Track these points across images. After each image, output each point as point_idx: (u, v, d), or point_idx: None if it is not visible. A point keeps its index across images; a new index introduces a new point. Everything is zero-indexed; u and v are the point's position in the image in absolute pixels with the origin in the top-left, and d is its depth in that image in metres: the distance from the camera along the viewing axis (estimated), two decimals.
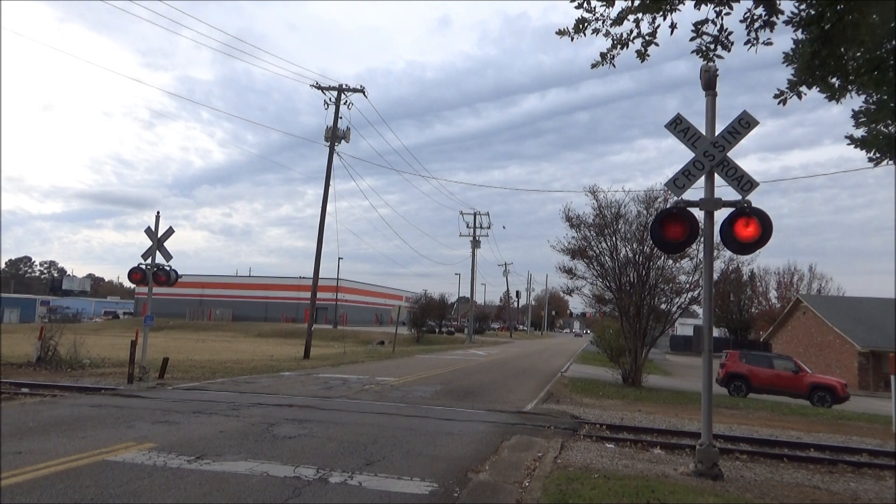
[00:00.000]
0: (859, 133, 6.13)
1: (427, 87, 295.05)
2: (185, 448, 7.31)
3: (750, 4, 5.68)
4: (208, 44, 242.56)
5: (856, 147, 6.13)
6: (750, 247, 7.56)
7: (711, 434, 7.48)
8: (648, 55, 6.04)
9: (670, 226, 7.62)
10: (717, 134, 7.63)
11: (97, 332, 48.55)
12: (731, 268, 24.51)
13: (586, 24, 5.91)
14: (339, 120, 28.34)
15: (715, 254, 13.06)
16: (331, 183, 28.23)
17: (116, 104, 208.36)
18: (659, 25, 5.88)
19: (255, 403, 11.44)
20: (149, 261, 15.66)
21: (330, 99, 28.28)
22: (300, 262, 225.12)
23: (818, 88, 5.89)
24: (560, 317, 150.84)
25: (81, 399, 11.31)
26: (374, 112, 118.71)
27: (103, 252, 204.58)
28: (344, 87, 28.42)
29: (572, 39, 6.08)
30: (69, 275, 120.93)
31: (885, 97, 5.76)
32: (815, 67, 5.65)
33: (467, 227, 58.25)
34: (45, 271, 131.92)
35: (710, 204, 7.57)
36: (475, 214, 58.61)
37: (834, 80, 5.84)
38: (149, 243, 15.71)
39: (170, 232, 15.92)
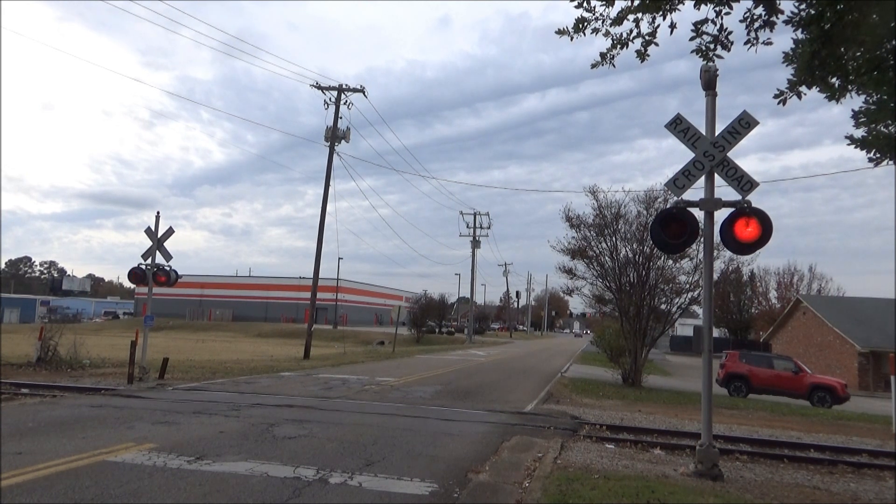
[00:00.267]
0: (859, 133, 6.13)
1: (427, 87, 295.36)
2: (185, 448, 7.31)
3: (750, 4, 5.68)
4: (208, 43, 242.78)
5: (856, 147, 6.13)
6: (750, 247, 7.56)
7: (711, 434, 7.48)
8: (648, 55, 6.04)
9: (670, 226, 7.62)
10: (717, 134, 7.63)
11: (97, 332, 48.56)
12: (731, 268, 24.59)
13: (586, 24, 5.90)
14: (339, 120, 28.36)
15: (715, 254, 13.06)
16: (331, 183, 28.27)
17: (116, 104, 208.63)
18: (659, 25, 5.88)
19: (255, 404, 11.44)
20: (149, 261, 15.66)
21: (330, 99, 28.29)
22: (300, 262, 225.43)
23: (818, 88, 5.88)
24: (560, 317, 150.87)
25: (81, 399, 11.30)
26: (374, 112, 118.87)
27: (103, 252, 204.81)
28: (344, 87, 28.42)
29: (572, 39, 6.08)
30: (69, 275, 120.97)
31: (885, 97, 5.75)
32: (814, 67, 5.64)
33: (467, 227, 58.30)
34: (45, 271, 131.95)
35: (710, 204, 7.57)
36: (475, 214, 58.66)
37: (834, 80, 5.84)
38: (149, 243, 15.71)
39: (170, 232, 15.93)
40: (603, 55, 6.17)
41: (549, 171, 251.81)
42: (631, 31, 5.95)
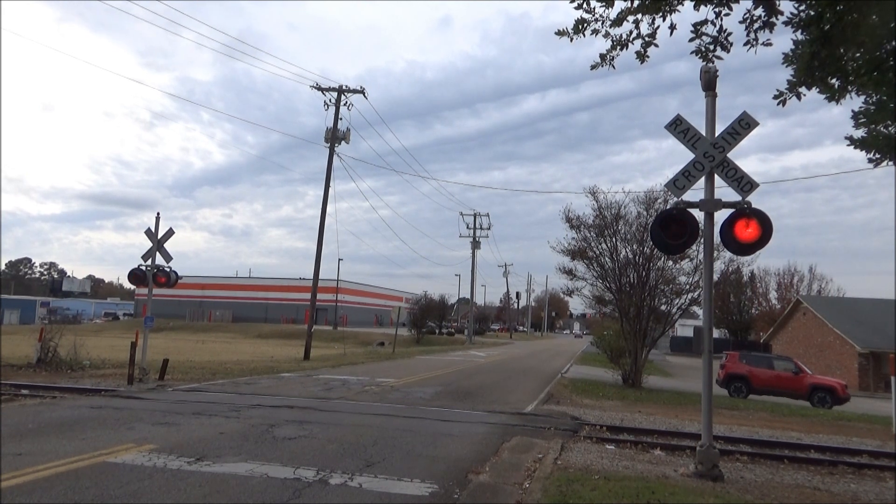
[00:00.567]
0: (859, 134, 6.14)
1: (427, 88, 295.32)
2: (185, 449, 7.31)
3: (749, 5, 5.69)
4: (208, 44, 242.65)
5: (856, 148, 6.14)
6: (750, 248, 7.57)
7: (711, 435, 7.48)
8: (648, 56, 6.04)
9: (670, 227, 7.61)
10: (717, 135, 7.63)
11: (97, 333, 48.58)
12: (731, 269, 24.51)
13: (586, 25, 5.91)
14: (339, 121, 28.36)
15: (715, 255, 13.06)
16: (331, 184, 28.27)
17: (116, 105, 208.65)
18: (658, 26, 5.89)
19: (255, 405, 11.44)
20: (149, 262, 15.67)
21: (330, 100, 28.31)
22: (300, 263, 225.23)
23: (818, 89, 5.89)
24: (560, 318, 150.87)
25: (81, 400, 11.30)
26: (374, 113, 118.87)
27: (103, 253, 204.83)
28: (344, 87, 28.44)
29: (571, 40, 6.08)
30: (69, 276, 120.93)
31: (885, 98, 5.76)
32: (814, 68, 5.65)
33: (467, 227, 58.29)
34: (45, 272, 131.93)
35: (710, 205, 7.58)
36: (475, 215, 58.64)
37: (834, 80, 5.84)
38: (149, 244, 15.71)
39: (170, 233, 15.93)
40: (603, 56, 6.18)
41: (549, 171, 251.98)
42: (631, 32, 5.96)
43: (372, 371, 20.91)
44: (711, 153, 7.55)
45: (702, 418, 7.57)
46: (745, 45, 5.78)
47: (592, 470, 7.36)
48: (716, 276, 19.45)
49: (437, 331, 64.14)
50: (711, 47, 5.86)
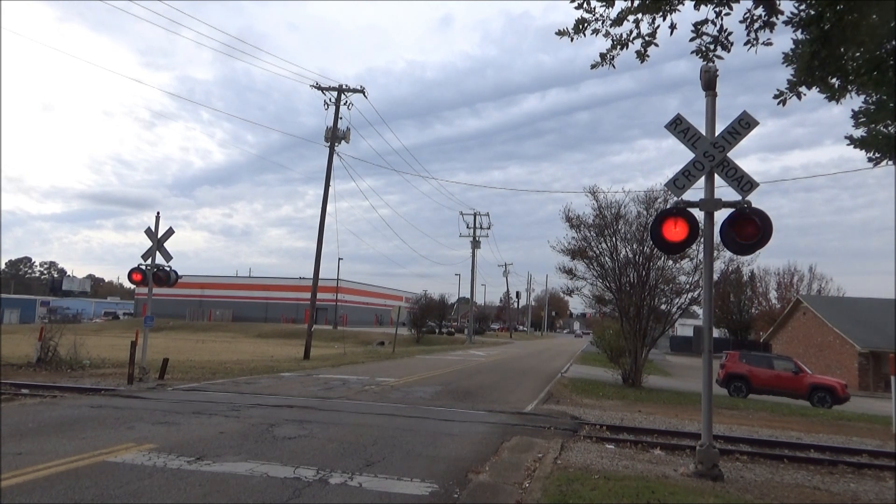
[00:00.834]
0: (859, 133, 6.14)
1: (427, 87, 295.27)
2: (185, 449, 7.31)
3: (750, 5, 5.69)
4: (208, 44, 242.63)
5: (855, 147, 6.14)
6: (750, 247, 7.57)
7: (711, 435, 7.48)
8: (648, 56, 6.04)
9: (670, 226, 7.61)
10: (717, 134, 7.63)
11: (97, 332, 48.57)
12: (731, 268, 24.52)
13: (586, 25, 5.91)
14: (339, 120, 28.36)
15: (715, 254, 13.06)
16: (331, 183, 28.27)
17: (116, 104, 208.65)
18: (659, 26, 5.89)
19: (255, 404, 11.44)
20: (149, 261, 15.67)
21: (330, 99, 28.30)
22: (300, 262, 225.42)
23: (818, 89, 5.89)
24: (560, 317, 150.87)
25: (81, 400, 11.30)
26: (374, 112, 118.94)
27: (103, 252, 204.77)
28: (344, 87, 28.43)
29: (572, 40, 6.09)
30: (69, 275, 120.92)
31: (885, 97, 5.76)
32: (814, 68, 5.65)
33: (467, 227, 58.34)
34: (45, 272, 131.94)
35: (710, 204, 7.57)
36: (475, 215, 58.67)
37: (834, 80, 5.85)
38: (149, 244, 15.71)
39: (170, 232, 15.93)
40: (603, 56, 6.18)
41: (549, 171, 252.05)
42: (631, 31, 5.96)
43: (372, 370, 20.91)
44: (711, 153, 7.54)
45: (702, 418, 7.57)
46: (746, 44, 5.78)
47: (592, 469, 7.36)
48: (716, 276, 19.44)
49: (437, 330, 64.13)
50: (712, 47, 5.86)
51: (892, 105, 5.76)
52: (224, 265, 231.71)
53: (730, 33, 5.80)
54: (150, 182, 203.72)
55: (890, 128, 5.99)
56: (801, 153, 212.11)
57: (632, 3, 5.72)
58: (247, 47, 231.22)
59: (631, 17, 5.82)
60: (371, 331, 64.34)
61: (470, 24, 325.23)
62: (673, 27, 5.85)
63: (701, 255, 16.73)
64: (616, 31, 5.95)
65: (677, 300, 21.77)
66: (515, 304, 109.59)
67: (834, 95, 5.90)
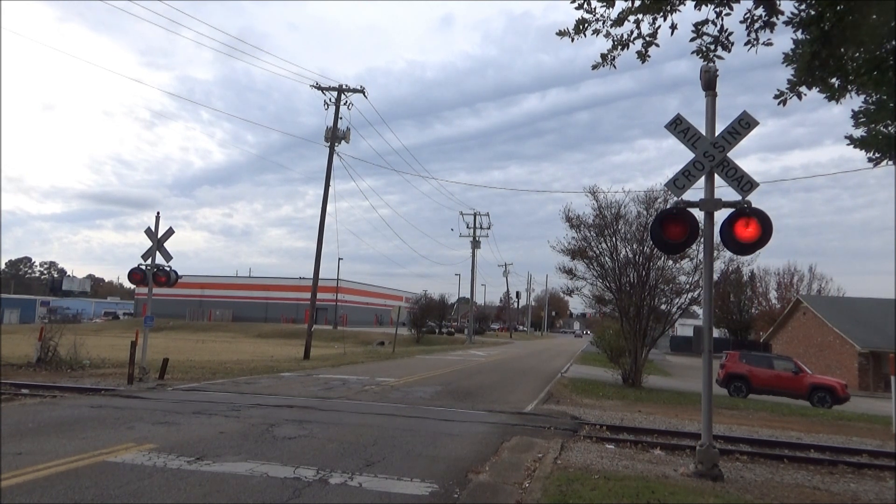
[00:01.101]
0: (859, 133, 6.14)
1: (427, 87, 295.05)
2: (185, 449, 7.31)
3: (750, 5, 5.69)
4: (208, 44, 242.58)
5: (855, 147, 6.14)
6: (750, 247, 7.57)
7: (711, 435, 7.48)
8: (649, 56, 6.04)
9: (670, 226, 7.62)
10: (717, 134, 7.63)
11: (97, 332, 48.56)
12: (731, 268, 24.51)
13: (586, 25, 5.91)
14: (339, 120, 28.37)
15: (715, 254, 13.06)
16: (331, 183, 28.27)
17: (116, 104, 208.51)
18: (659, 26, 5.89)
19: (255, 404, 11.44)
20: (149, 261, 15.67)
21: (330, 99, 28.31)
22: (300, 262, 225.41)
23: (818, 89, 5.89)
24: (560, 317, 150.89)
25: (81, 400, 11.31)
26: (374, 112, 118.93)
27: (103, 252, 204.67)
28: (344, 87, 28.44)
29: (572, 40, 6.09)
30: (69, 275, 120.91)
31: (885, 97, 5.76)
32: (814, 68, 5.65)
33: (467, 227, 58.34)
34: (45, 272, 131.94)
35: (710, 204, 7.57)
36: (475, 215, 58.68)
37: (834, 80, 5.85)
38: (149, 244, 15.71)
39: (170, 232, 15.93)
40: (604, 56, 6.18)
41: (550, 171, 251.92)
42: (632, 31, 5.96)
43: (372, 370, 20.91)
44: (711, 153, 7.55)
45: (702, 418, 7.57)
46: (746, 44, 5.78)
47: (592, 469, 7.36)
48: (716, 276, 19.46)
49: (437, 330, 64.12)
50: (712, 47, 5.86)
51: (892, 105, 5.76)
52: (224, 265, 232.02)
53: (730, 33, 5.81)
54: (150, 182, 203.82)
55: (890, 128, 5.99)
56: (801, 153, 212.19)
57: (632, 3, 5.72)
58: (247, 47, 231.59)
59: (631, 18, 5.82)
60: (371, 331, 64.34)
61: (470, 23, 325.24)
62: (673, 27, 5.85)
63: (701, 255, 16.74)
64: (617, 31, 5.96)
65: (677, 300, 21.78)
66: (515, 304, 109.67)
67: (834, 95, 5.90)
